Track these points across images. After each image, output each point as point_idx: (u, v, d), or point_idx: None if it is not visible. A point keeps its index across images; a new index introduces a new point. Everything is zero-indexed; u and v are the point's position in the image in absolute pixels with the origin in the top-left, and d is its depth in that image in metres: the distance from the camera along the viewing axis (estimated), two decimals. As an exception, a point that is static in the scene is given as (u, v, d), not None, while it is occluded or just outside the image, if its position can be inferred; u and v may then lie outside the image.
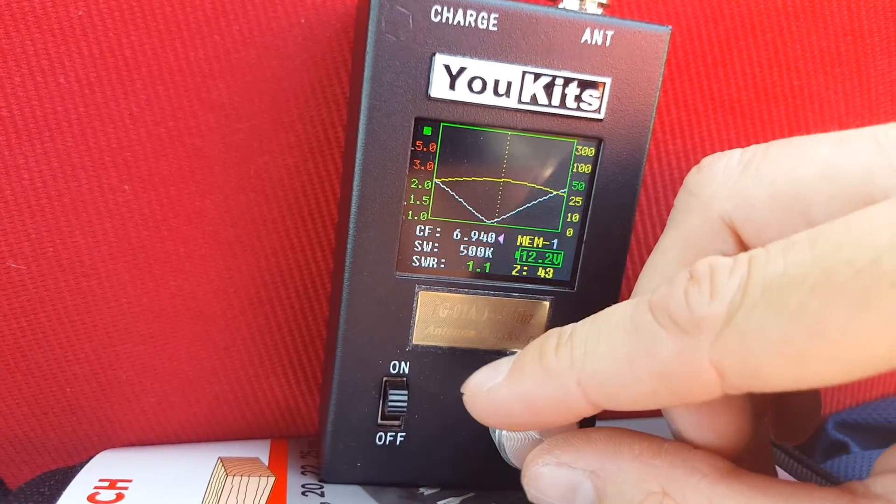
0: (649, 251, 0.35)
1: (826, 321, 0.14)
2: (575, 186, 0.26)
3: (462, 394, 0.21)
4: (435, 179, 0.25)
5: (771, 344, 0.15)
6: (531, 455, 0.22)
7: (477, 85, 0.24)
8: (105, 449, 0.31)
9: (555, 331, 0.20)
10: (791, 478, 0.31)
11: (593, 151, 0.26)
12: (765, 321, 0.15)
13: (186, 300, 0.30)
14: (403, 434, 0.27)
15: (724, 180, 0.20)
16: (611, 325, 0.18)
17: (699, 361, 0.16)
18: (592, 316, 0.19)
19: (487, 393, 0.21)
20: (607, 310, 0.19)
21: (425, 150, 0.25)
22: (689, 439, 0.20)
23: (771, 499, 0.18)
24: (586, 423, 0.26)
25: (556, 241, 0.27)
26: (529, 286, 0.27)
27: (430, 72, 0.24)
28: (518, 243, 0.26)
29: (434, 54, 0.24)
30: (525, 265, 0.27)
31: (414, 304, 0.26)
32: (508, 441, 0.24)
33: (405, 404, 0.26)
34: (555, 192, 0.26)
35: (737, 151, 0.20)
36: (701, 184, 0.21)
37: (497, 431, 0.25)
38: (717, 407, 0.20)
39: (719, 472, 0.19)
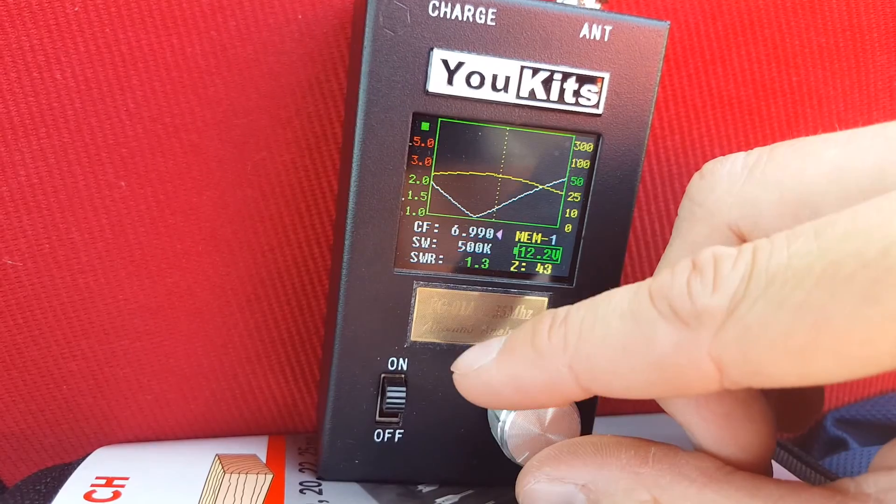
0: (648, 247, 0.35)
1: (831, 315, 0.14)
2: (573, 182, 0.26)
3: (452, 372, 0.21)
4: (433, 175, 0.25)
5: (774, 338, 0.15)
6: (522, 473, 0.22)
7: (475, 80, 0.24)
8: (102, 446, 0.31)
9: (549, 312, 0.19)
10: (790, 474, 0.31)
11: (592, 147, 0.26)
12: (768, 315, 0.15)
13: (183, 297, 0.30)
14: (402, 431, 0.27)
15: (729, 187, 0.19)
16: (608, 310, 0.18)
17: (698, 354, 0.16)
18: (590, 299, 0.18)
19: (476, 372, 0.20)
20: (605, 294, 0.18)
21: (423, 145, 0.25)
22: (711, 450, 0.20)
23: (760, 500, 0.17)
24: (586, 405, 0.26)
25: (554, 236, 0.27)
26: (528, 282, 0.27)
27: (427, 67, 0.24)
28: (516, 239, 0.26)
29: (432, 49, 0.24)
30: (523, 261, 0.27)
31: (412, 301, 0.26)
32: (510, 438, 0.24)
33: (403, 401, 0.26)
34: (553, 188, 0.26)
35: (740, 155, 0.20)
36: (705, 191, 0.20)
37: (499, 427, 0.25)
38: (738, 418, 0.20)
39: (707, 476, 0.19)
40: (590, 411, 0.28)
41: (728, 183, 0.20)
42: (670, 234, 0.35)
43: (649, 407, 0.37)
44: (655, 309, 0.17)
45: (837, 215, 0.15)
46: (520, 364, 0.19)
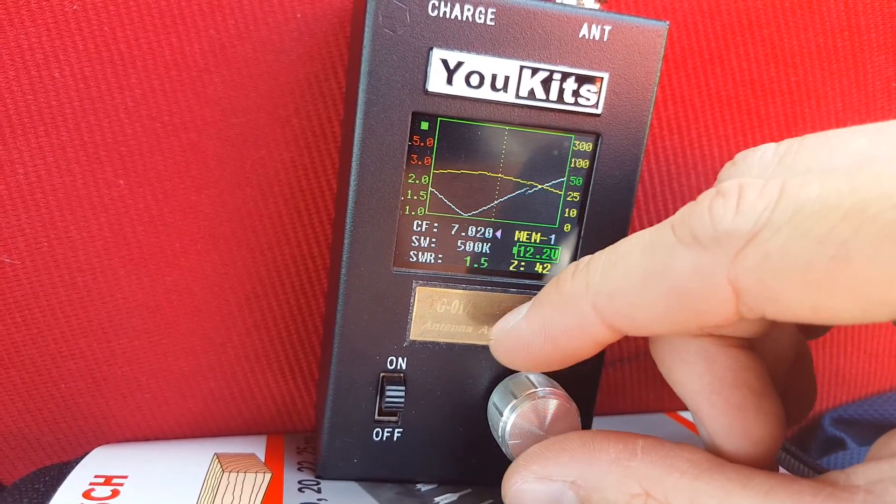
0: (646, 247, 0.35)
1: (852, 249, 0.14)
2: (572, 182, 0.26)
3: (490, 340, 0.23)
4: (432, 174, 0.25)
5: (793, 266, 0.15)
6: (508, 473, 0.22)
7: (474, 79, 0.24)
8: (100, 445, 0.31)
9: (573, 262, 0.20)
10: (786, 472, 0.31)
11: (591, 146, 0.26)
12: (790, 242, 0.15)
13: (182, 296, 0.30)
14: (400, 430, 0.27)
15: (760, 173, 0.20)
16: (629, 246, 0.18)
17: (716, 278, 0.16)
18: (612, 245, 0.19)
19: (509, 332, 0.21)
20: (628, 236, 0.19)
21: (422, 144, 0.25)
22: (721, 448, 0.20)
23: (751, 492, 0.17)
24: (585, 404, 0.26)
25: (553, 236, 0.27)
26: (527, 281, 0.27)
27: (427, 66, 0.24)
28: (515, 238, 0.26)
29: (431, 49, 0.24)
30: (523, 260, 0.27)
31: (411, 300, 0.26)
32: (511, 438, 0.24)
33: (402, 400, 0.26)
34: (552, 188, 0.26)
35: (771, 145, 0.20)
36: (735, 176, 0.20)
37: (499, 427, 0.25)
38: (750, 410, 0.20)
39: (698, 468, 0.19)
40: (589, 410, 0.28)
41: (759, 169, 0.20)
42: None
43: (648, 406, 0.37)
44: (675, 236, 0.17)
45: (874, 160, 0.15)
46: (547, 312, 0.20)
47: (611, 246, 0.19)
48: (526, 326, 0.21)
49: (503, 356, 0.22)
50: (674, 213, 0.34)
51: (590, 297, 0.19)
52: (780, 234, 0.15)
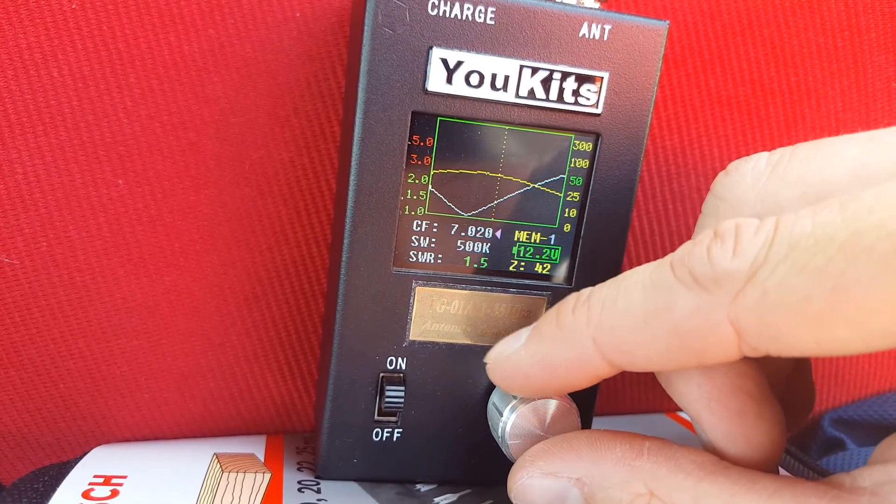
0: (646, 247, 0.35)
1: (850, 282, 0.14)
2: (572, 182, 0.26)
3: (485, 363, 0.22)
4: (432, 174, 0.25)
5: (792, 303, 0.15)
6: (514, 468, 0.22)
7: (474, 79, 0.24)
8: (100, 445, 0.31)
9: (573, 294, 0.20)
10: (785, 472, 0.31)
11: (591, 146, 0.26)
12: (788, 279, 0.15)
13: (181, 296, 0.30)
14: (400, 430, 0.27)
15: (753, 183, 0.20)
16: (630, 283, 0.18)
17: (717, 318, 0.16)
18: (612, 278, 0.19)
19: (507, 359, 0.21)
20: (628, 271, 0.19)
21: (422, 144, 0.25)
22: (723, 454, 0.20)
23: (756, 494, 0.17)
24: (585, 404, 0.26)
25: (553, 236, 0.27)
26: (527, 282, 0.27)
27: (426, 66, 0.24)
28: (515, 239, 0.26)
29: (431, 48, 0.24)
30: (522, 261, 0.27)
31: (411, 300, 0.26)
32: (511, 438, 0.24)
33: (402, 400, 0.26)
34: (552, 188, 0.26)
35: (764, 154, 0.20)
36: (729, 187, 0.20)
37: (499, 428, 0.25)
38: (750, 416, 0.20)
39: (703, 470, 0.19)
40: (588, 410, 0.28)
41: (752, 179, 0.20)
42: (669, 233, 0.35)
43: (648, 406, 0.37)
44: (675, 276, 0.17)
45: (863, 192, 0.15)
46: (547, 344, 0.20)
47: (611, 280, 0.19)
48: (524, 355, 0.21)
49: (500, 381, 0.22)
50: (673, 213, 0.34)
51: (590, 333, 0.19)
52: (778, 271, 0.15)
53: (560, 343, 0.20)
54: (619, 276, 0.19)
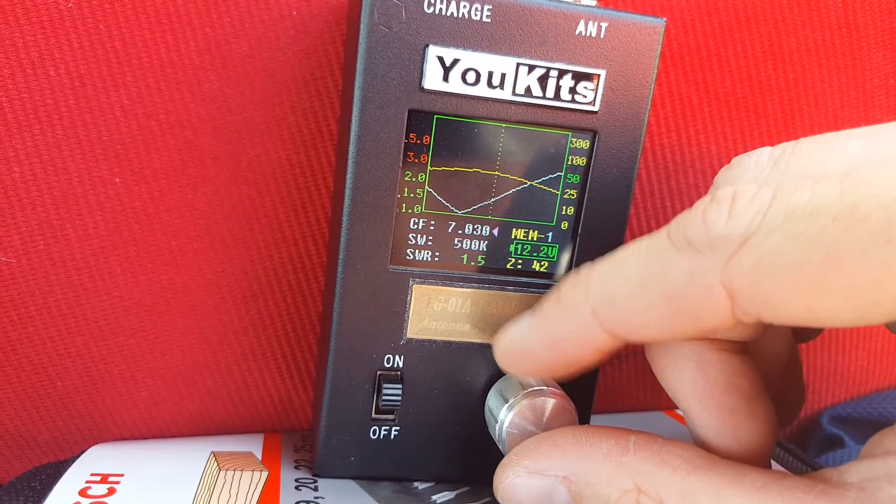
0: (644, 245, 0.35)
1: (844, 250, 0.14)
2: (569, 179, 0.26)
3: (494, 350, 0.23)
4: (429, 172, 0.25)
5: (786, 268, 0.15)
6: (500, 467, 0.22)
7: (471, 77, 0.24)
8: (97, 443, 0.31)
9: (573, 271, 0.21)
10: (783, 469, 0.31)
11: (588, 144, 0.26)
12: (782, 245, 0.15)
13: (178, 294, 0.30)
14: (398, 428, 0.27)
15: (755, 177, 0.20)
16: (626, 254, 0.19)
17: (710, 281, 0.16)
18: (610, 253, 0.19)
19: (513, 340, 0.22)
20: (625, 245, 0.19)
21: (419, 142, 0.25)
22: (711, 446, 0.20)
23: (743, 489, 0.18)
24: (583, 402, 0.26)
25: (550, 234, 0.27)
26: (524, 279, 0.27)
27: (423, 63, 0.24)
28: (513, 236, 0.26)
29: (427, 46, 0.24)
30: (520, 258, 0.27)
31: (408, 298, 0.26)
32: (509, 436, 0.24)
33: (399, 398, 0.26)
34: (549, 185, 0.26)
35: (767, 148, 0.20)
36: (731, 180, 0.20)
37: (497, 426, 0.25)
38: (741, 414, 0.20)
39: (691, 464, 0.19)
40: (586, 408, 0.28)
41: (754, 172, 0.20)
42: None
43: (646, 404, 0.37)
44: (670, 241, 0.17)
45: (865, 165, 0.15)
46: (549, 320, 0.21)
47: (609, 254, 0.20)
48: (529, 335, 0.21)
49: (507, 365, 0.22)
50: (671, 211, 0.34)
51: (589, 304, 0.19)
52: (773, 236, 0.15)
53: (561, 318, 0.20)
54: (617, 249, 0.19)
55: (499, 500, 0.22)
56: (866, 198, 0.14)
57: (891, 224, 0.14)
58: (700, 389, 0.20)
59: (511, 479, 0.22)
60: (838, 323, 0.15)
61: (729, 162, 0.21)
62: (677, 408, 0.37)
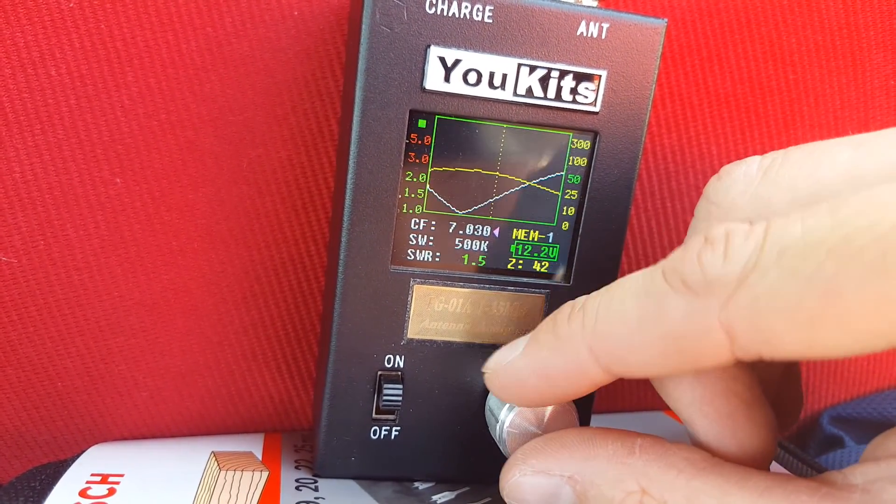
0: (644, 245, 0.35)
1: (840, 285, 0.14)
2: (570, 180, 0.26)
3: (483, 373, 0.23)
4: (430, 172, 0.25)
5: (783, 307, 0.15)
6: (506, 466, 0.22)
7: (472, 77, 0.24)
8: (97, 443, 0.31)
9: (569, 303, 0.20)
10: (784, 470, 0.31)
11: (589, 144, 0.26)
12: (779, 284, 0.15)
13: (179, 294, 0.30)
14: (398, 428, 0.27)
15: (745, 187, 0.20)
16: (622, 291, 0.19)
17: (709, 323, 0.16)
18: (605, 287, 0.19)
19: (505, 368, 0.21)
20: (620, 279, 0.19)
21: (420, 142, 0.25)
22: (710, 448, 0.20)
23: (747, 492, 0.18)
24: (583, 402, 0.26)
25: (551, 234, 0.27)
26: (525, 280, 0.27)
27: (424, 64, 0.24)
28: (513, 237, 0.26)
29: (429, 46, 0.24)
30: (520, 259, 0.27)
31: (409, 298, 0.26)
32: (509, 436, 0.24)
33: (400, 398, 0.26)
34: (550, 186, 0.26)
35: (756, 158, 0.20)
36: (721, 191, 0.20)
37: (498, 427, 0.25)
38: (741, 419, 0.20)
39: (695, 467, 0.19)
40: (587, 409, 0.28)
41: (744, 184, 0.20)
42: (667, 231, 0.35)
43: (647, 404, 0.37)
44: (667, 283, 0.17)
45: (853, 195, 0.15)
46: (544, 352, 0.20)
47: (605, 288, 0.19)
48: (522, 364, 0.21)
49: (497, 390, 0.22)
50: (672, 211, 0.34)
51: (585, 339, 0.19)
52: (768, 275, 0.15)
53: (556, 351, 0.20)
54: (612, 284, 0.19)
55: (504, 498, 0.22)
56: (859, 230, 0.14)
57: (885, 257, 0.14)
58: (699, 398, 0.20)
59: (517, 477, 0.22)
60: (838, 355, 0.15)
61: (729, 163, 0.21)
62: (677, 408, 0.37)
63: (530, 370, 0.21)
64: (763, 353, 0.16)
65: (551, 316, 0.21)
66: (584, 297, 0.20)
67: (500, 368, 0.22)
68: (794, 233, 0.15)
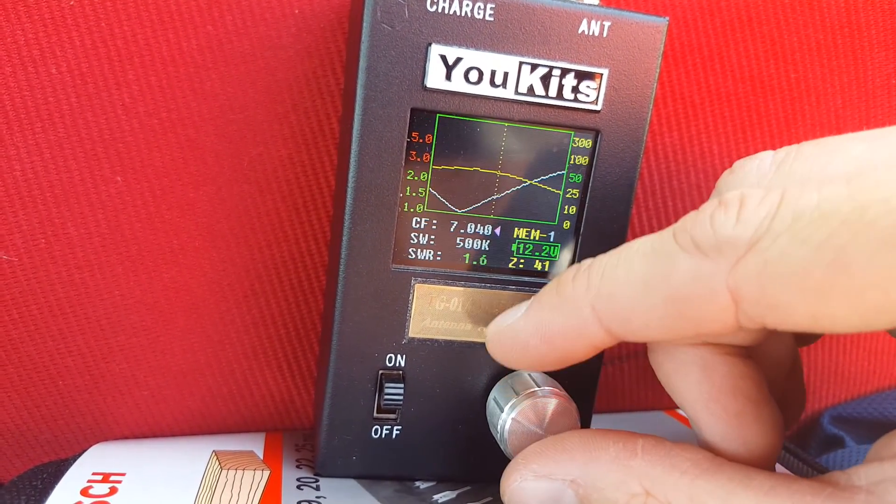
0: (646, 244, 0.35)
1: (850, 255, 0.14)
2: (572, 178, 0.26)
3: (486, 336, 0.22)
4: (431, 171, 0.25)
5: (792, 273, 0.15)
6: (507, 471, 0.22)
7: (473, 76, 0.24)
8: (98, 442, 0.31)
9: (574, 265, 0.20)
10: (787, 472, 0.31)
11: (590, 143, 0.26)
12: (789, 250, 0.15)
13: (180, 292, 0.30)
14: (399, 427, 0.27)
15: (758, 181, 0.20)
16: (631, 251, 0.19)
17: (715, 285, 0.16)
18: (615, 249, 0.19)
19: (507, 329, 0.21)
20: (630, 241, 0.19)
21: (421, 141, 0.25)
22: (718, 450, 0.20)
23: (751, 492, 0.17)
24: (584, 402, 0.26)
25: (552, 233, 0.26)
26: (526, 279, 0.27)
27: (426, 62, 0.24)
28: (514, 236, 0.26)
29: (430, 44, 0.23)
30: (522, 258, 0.27)
31: (410, 297, 0.26)
32: (510, 436, 0.24)
33: (401, 397, 0.26)
34: (551, 185, 0.26)
35: (769, 153, 0.20)
36: (734, 185, 0.20)
37: (498, 426, 0.25)
38: (748, 418, 0.20)
39: (699, 468, 0.19)
40: (587, 409, 0.28)
41: (756, 177, 0.20)
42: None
43: (647, 404, 0.37)
44: (677, 243, 0.17)
45: (873, 168, 0.15)
46: (546, 312, 0.20)
47: (613, 250, 0.19)
48: (523, 325, 0.21)
49: (498, 354, 0.22)
50: (673, 210, 0.34)
51: (589, 300, 0.19)
52: (780, 241, 0.15)
53: (559, 311, 0.20)
54: (622, 246, 0.19)
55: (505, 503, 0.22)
56: (874, 202, 0.14)
57: None
58: (706, 394, 0.20)
59: (518, 482, 0.21)
60: (842, 329, 0.15)
61: (730, 162, 0.21)
62: (678, 408, 0.37)
63: (532, 331, 0.21)
64: (767, 321, 0.16)
65: (556, 278, 0.21)
66: (590, 258, 0.20)
67: (500, 330, 0.22)
68: (810, 201, 0.15)
